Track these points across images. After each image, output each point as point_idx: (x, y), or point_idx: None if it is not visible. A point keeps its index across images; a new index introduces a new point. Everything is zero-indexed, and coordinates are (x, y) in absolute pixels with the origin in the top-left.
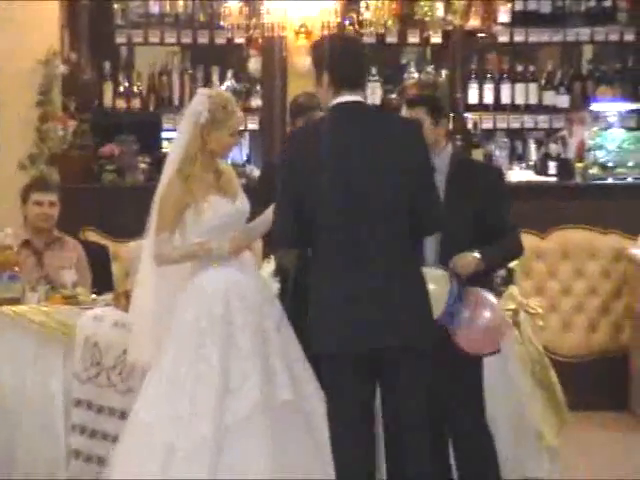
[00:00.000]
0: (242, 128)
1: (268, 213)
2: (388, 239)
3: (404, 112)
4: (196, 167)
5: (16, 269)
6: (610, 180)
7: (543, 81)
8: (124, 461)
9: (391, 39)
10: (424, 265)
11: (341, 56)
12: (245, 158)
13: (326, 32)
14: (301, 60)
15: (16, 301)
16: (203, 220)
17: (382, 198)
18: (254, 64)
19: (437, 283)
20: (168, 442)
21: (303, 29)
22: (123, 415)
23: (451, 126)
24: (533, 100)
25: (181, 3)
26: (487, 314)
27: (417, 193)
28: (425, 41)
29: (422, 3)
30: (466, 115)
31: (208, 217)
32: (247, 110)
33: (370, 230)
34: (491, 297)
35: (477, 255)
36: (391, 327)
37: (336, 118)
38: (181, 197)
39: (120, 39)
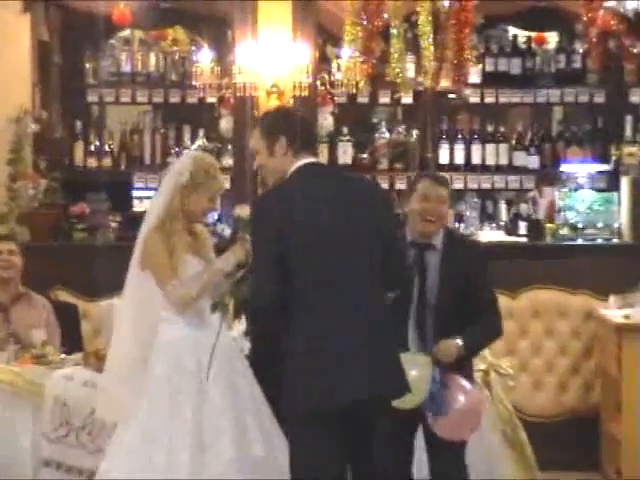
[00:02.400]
0: None
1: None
2: (369, 289)
3: (421, 186)
4: (175, 225)
5: None
6: (580, 241)
7: (513, 142)
8: None
9: (362, 99)
10: (407, 349)
11: (299, 120)
12: (216, 217)
13: (297, 92)
14: None
15: None
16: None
17: (361, 253)
18: (225, 123)
19: (419, 369)
20: None
21: (275, 89)
22: (92, 475)
23: None
24: (504, 160)
25: (153, 62)
26: (462, 398)
27: (386, 246)
28: (396, 101)
29: (393, 64)
30: None
31: (180, 275)
32: None
33: (353, 282)
34: (466, 382)
35: (459, 342)
36: (383, 376)
37: (306, 178)
38: (164, 249)
39: (91, 98)
